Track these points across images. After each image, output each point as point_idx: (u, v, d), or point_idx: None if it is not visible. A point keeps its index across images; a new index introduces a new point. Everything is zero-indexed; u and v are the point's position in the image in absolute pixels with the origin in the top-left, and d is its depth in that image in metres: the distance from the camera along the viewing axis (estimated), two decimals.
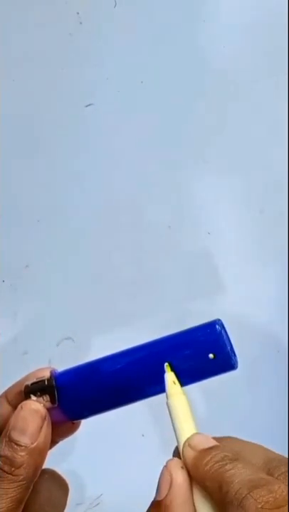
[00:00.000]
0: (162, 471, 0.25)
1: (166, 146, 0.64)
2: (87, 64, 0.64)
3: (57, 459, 0.30)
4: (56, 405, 0.28)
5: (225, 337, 0.27)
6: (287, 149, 0.64)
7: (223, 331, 0.27)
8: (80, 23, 0.64)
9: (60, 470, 0.29)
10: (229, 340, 0.27)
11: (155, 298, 0.61)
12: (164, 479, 0.24)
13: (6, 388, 0.30)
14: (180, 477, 0.24)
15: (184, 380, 0.27)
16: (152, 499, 0.25)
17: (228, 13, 0.67)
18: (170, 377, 0.27)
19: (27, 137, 0.62)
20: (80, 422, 0.30)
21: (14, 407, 0.28)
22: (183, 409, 0.26)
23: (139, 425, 0.58)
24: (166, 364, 0.27)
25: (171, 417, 0.26)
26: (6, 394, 0.29)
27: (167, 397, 0.26)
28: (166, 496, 0.24)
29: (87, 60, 0.64)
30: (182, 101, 0.65)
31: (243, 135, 0.65)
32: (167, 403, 0.26)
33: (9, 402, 0.29)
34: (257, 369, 0.60)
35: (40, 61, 0.63)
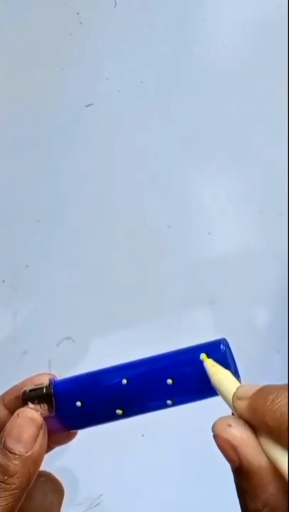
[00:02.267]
0: (219, 438, 0.23)
1: (166, 145, 0.64)
2: (87, 64, 0.64)
3: (57, 459, 0.30)
4: (53, 414, 0.27)
5: (229, 357, 0.26)
6: (287, 149, 0.64)
7: (227, 351, 0.26)
8: (80, 23, 0.64)
9: (60, 470, 0.29)
10: (233, 360, 0.27)
11: (155, 298, 0.61)
12: (227, 445, 0.23)
13: (4, 390, 0.30)
14: (243, 433, 0.23)
15: (183, 397, 0.27)
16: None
17: (228, 13, 0.66)
18: (209, 361, 0.26)
19: (27, 137, 0.62)
20: (76, 431, 0.30)
21: (11, 411, 0.28)
22: (228, 378, 0.26)
23: (139, 425, 0.58)
24: (202, 354, 0.26)
25: (220, 393, 0.25)
26: (3, 397, 0.29)
27: (211, 377, 0.26)
28: (239, 459, 0.23)
29: (87, 60, 0.64)
30: (182, 101, 0.65)
31: (243, 135, 0.65)
32: (213, 380, 0.25)
33: (6, 406, 0.29)
34: (257, 369, 0.60)
35: (40, 61, 0.63)
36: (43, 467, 0.28)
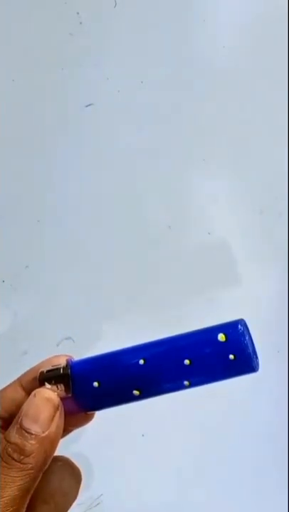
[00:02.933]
0: None
1: (167, 146, 0.64)
2: (87, 64, 0.64)
3: None
4: (70, 395, 0.27)
5: (247, 338, 0.26)
6: (287, 149, 0.64)
7: (245, 331, 0.26)
8: (80, 23, 0.64)
9: (75, 462, 0.29)
10: (252, 342, 0.26)
11: (155, 298, 0.61)
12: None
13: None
14: None
15: (200, 378, 0.27)
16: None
17: (228, 13, 0.67)
18: None
19: (27, 137, 0.62)
20: (94, 413, 0.30)
21: (28, 392, 0.28)
22: None
23: (139, 425, 0.58)
24: (220, 334, 0.26)
25: None
26: (20, 379, 0.29)
27: None
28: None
29: (87, 60, 0.64)
30: (182, 101, 0.65)
31: (243, 135, 0.65)
32: None
33: (23, 388, 0.29)
34: None
35: (40, 61, 0.63)
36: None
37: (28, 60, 0.63)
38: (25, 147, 0.62)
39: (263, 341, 0.61)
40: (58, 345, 0.58)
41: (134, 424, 0.57)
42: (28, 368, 0.30)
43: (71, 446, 0.55)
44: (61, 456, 0.29)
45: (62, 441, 0.31)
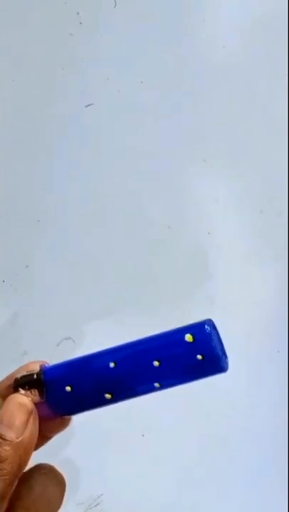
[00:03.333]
0: None
1: (166, 145, 0.64)
2: (87, 64, 0.64)
3: (56, 459, 0.30)
4: (44, 400, 0.28)
5: (215, 338, 0.26)
6: (287, 149, 0.64)
7: (213, 332, 0.26)
8: (80, 23, 0.64)
9: (60, 470, 0.29)
10: (220, 342, 0.26)
11: (155, 298, 0.61)
12: None
13: None
14: None
15: (170, 380, 0.27)
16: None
17: (228, 13, 0.67)
18: None
19: (27, 137, 0.62)
20: (70, 418, 0.30)
21: (4, 399, 0.28)
22: None
23: (139, 425, 0.58)
24: (187, 335, 0.26)
25: None
26: None
27: None
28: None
29: (87, 60, 0.64)
30: (182, 101, 0.65)
31: (243, 135, 0.65)
32: None
33: (1, 395, 0.29)
34: (257, 369, 0.60)
35: (40, 61, 0.63)
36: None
37: (28, 60, 0.63)
38: (25, 147, 0.62)
39: (263, 341, 0.61)
40: (58, 345, 0.58)
41: (134, 424, 0.57)
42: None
43: (71, 447, 0.55)
44: (45, 464, 0.29)
45: (60, 442, 0.31)
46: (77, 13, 0.64)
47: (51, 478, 0.29)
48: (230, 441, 0.59)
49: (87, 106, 0.63)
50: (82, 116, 0.63)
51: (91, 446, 0.55)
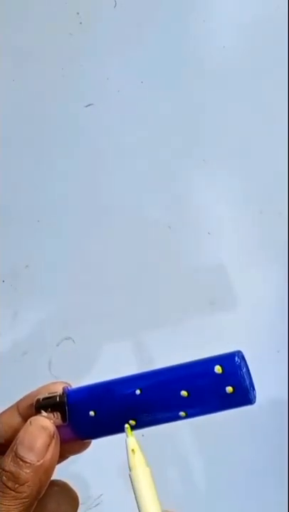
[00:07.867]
0: None
1: (166, 145, 0.64)
2: (87, 64, 0.64)
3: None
4: (66, 423, 0.27)
5: (244, 370, 0.26)
6: (287, 149, 0.64)
7: (242, 363, 0.26)
8: (80, 23, 0.64)
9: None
10: (249, 373, 0.26)
11: (155, 298, 0.61)
12: None
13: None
14: None
15: (197, 410, 0.26)
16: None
17: (228, 13, 0.67)
18: (130, 443, 0.26)
19: (27, 137, 0.62)
20: (90, 441, 0.30)
21: (25, 419, 0.28)
22: (146, 484, 0.26)
23: None
24: (126, 426, 0.26)
25: (134, 490, 0.25)
26: (17, 404, 0.29)
27: (130, 469, 0.26)
28: None
29: (87, 60, 0.64)
30: (182, 101, 0.65)
31: (243, 135, 0.65)
32: (129, 475, 0.26)
33: (20, 413, 0.28)
34: (257, 369, 0.60)
35: (40, 61, 0.63)
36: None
37: (28, 60, 0.63)
38: (26, 147, 0.62)
39: (263, 341, 0.61)
40: (57, 345, 0.58)
41: None
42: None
43: None
44: (58, 480, 0.29)
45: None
46: (77, 13, 0.64)
47: (64, 495, 0.28)
48: (230, 441, 0.59)
49: (87, 106, 0.63)
50: (82, 117, 0.63)
51: (91, 446, 0.55)
